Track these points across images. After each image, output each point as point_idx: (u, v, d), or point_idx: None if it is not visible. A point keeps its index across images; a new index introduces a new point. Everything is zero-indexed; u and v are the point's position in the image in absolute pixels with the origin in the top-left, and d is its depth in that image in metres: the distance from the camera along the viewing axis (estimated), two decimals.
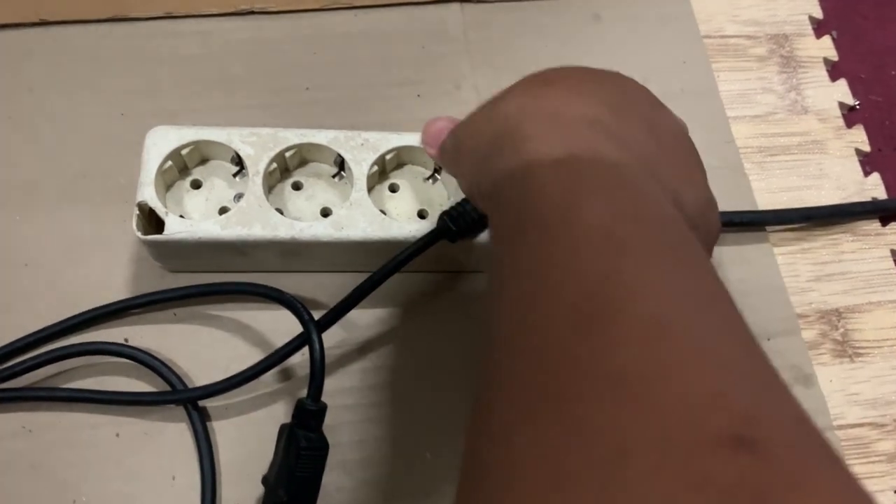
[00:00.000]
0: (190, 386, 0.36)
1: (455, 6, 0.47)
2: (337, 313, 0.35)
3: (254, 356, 0.36)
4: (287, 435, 0.33)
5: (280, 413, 0.37)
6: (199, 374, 0.37)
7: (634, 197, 0.22)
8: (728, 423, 0.15)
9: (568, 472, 0.15)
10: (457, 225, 0.35)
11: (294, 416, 0.33)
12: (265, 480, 0.34)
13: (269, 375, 0.37)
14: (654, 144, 0.25)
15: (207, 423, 0.36)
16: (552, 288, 0.19)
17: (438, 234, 0.35)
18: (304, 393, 0.34)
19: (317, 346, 0.34)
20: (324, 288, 0.39)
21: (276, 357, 0.35)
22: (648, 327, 0.17)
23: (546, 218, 0.21)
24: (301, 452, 0.32)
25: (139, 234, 0.35)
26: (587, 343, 0.17)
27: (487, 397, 0.20)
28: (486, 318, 0.22)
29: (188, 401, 0.36)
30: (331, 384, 0.36)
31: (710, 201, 0.28)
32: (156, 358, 0.36)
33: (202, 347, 0.37)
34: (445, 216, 0.35)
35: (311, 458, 0.33)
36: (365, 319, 0.39)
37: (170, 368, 0.36)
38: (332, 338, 0.38)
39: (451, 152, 0.31)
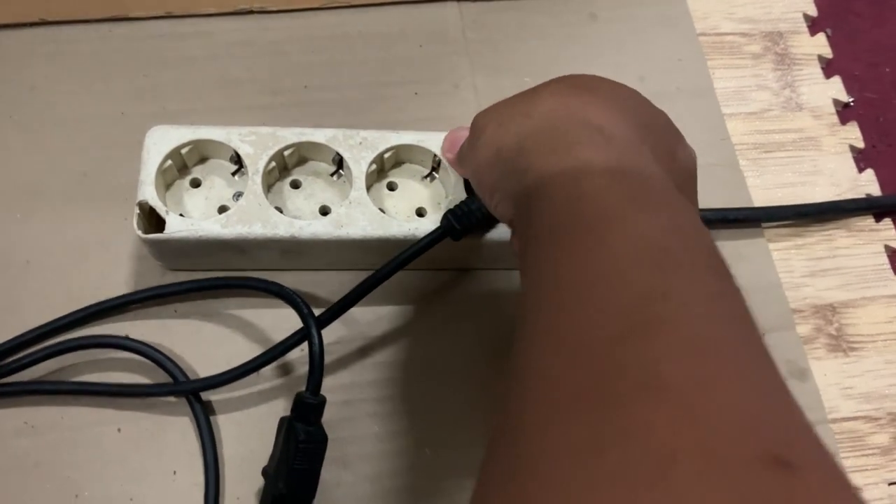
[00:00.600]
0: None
1: (453, 6, 0.47)
2: (338, 310, 0.36)
3: (255, 352, 0.36)
4: (286, 428, 0.33)
5: (281, 408, 0.37)
6: (201, 369, 0.37)
7: (681, 215, 0.23)
8: (768, 443, 0.16)
9: (612, 469, 0.16)
10: (461, 224, 0.35)
11: (293, 410, 0.34)
12: (265, 472, 0.34)
13: (271, 371, 0.37)
14: (674, 172, 0.26)
15: (210, 418, 0.36)
16: (602, 292, 0.20)
17: (443, 233, 0.36)
18: (304, 387, 0.34)
19: (316, 340, 0.34)
20: (323, 285, 0.39)
21: (277, 350, 0.35)
22: (694, 342, 0.18)
23: (599, 223, 0.22)
24: (300, 445, 0.32)
25: (140, 232, 0.35)
26: (634, 350, 0.18)
27: (522, 392, 0.20)
28: (523, 313, 0.22)
29: (190, 392, 0.36)
30: (331, 380, 0.37)
31: None
32: (157, 350, 0.36)
33: (203, 343, 0.38)
34: (450, 215, 0.36)
35: (310, 451, 0.33)
36: (366, 316, 0.39)
37: (172, 361, 0.36)
38: (333, 334, 0.38)
39: (469, 143, 0.30)
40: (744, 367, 0.18)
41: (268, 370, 0.36)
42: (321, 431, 0.34)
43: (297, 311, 0.35)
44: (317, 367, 0.34)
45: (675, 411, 0.16)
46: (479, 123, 0.29)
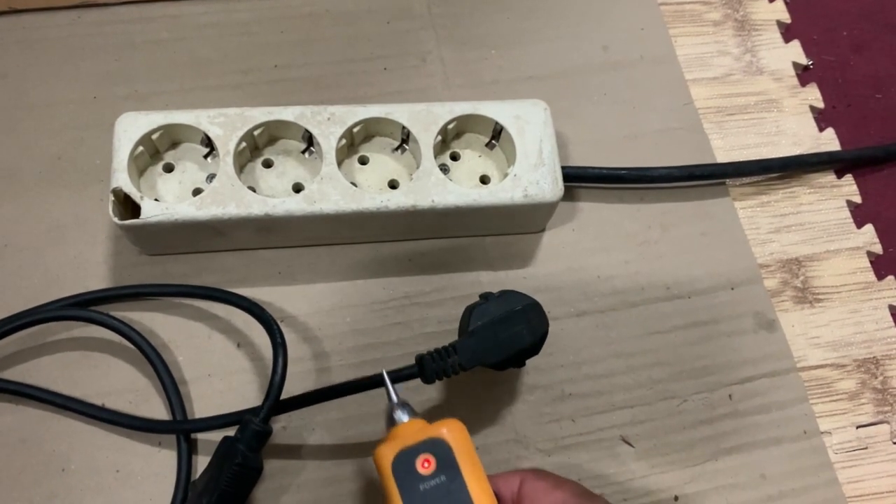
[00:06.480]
0: (168, 364, 0.37)
1: None
2: (294, 404, 0.35)
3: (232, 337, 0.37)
4: (227, 447, 0.33)
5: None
6: (181, 352, 0.38)
7: None
8: None
9: None
10: (435, 374, 0.33)
11: (238, 431, 0.33)
12: (194, 484, 0.34)
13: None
14: None
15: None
16: None
17: (411, 375, 0.33)
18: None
19: (279, 370, 0.34)
20: (300, 258, 0.40)
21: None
22: None
23: None
24: (234, 466, 0.32)
25: (116, 219, 0.35)
26: None
27: None
28: None
29: (180, 432, 0.36)
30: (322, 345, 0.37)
31: None
32: (134, 330, 0.37)
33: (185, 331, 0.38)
34: (425, 360, 0.33)
35: (243, 475, 0.32)
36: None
37: (151, 346, 0.37)
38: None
39: None
40: None
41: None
42: (258, 459, 0.33)
43: (271, 337, 0.35)
44: (273, 396, 0.33)
45: None
46: None
